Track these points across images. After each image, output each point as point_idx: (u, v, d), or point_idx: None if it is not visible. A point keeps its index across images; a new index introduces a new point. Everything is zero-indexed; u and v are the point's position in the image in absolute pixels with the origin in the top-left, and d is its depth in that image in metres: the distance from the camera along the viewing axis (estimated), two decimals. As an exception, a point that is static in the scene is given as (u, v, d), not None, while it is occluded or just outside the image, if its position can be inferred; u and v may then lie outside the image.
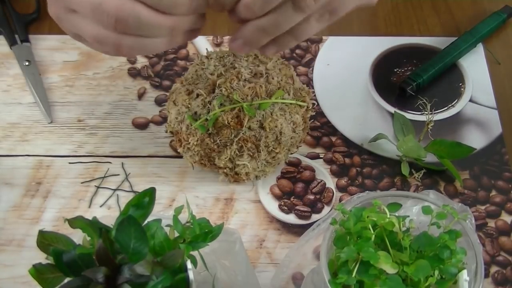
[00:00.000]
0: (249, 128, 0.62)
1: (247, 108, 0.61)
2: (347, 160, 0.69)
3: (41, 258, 0.46)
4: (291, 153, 0.68)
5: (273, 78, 0.64)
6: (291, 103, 0.63)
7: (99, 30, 0.53)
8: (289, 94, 0.64)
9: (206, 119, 0.62)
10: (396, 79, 0.76)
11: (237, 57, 0.65)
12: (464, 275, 0.48)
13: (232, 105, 0.61)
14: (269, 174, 0.67)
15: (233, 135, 0.62)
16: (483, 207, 0.66)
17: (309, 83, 0.75)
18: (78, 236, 0.47)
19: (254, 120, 0.62)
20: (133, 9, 0.51)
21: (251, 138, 0.62)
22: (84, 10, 0.52)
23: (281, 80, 0.64)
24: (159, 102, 0.74)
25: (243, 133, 0.62)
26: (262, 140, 0.62)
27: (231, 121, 0.61)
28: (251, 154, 0.63)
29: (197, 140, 0.63)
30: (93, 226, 0.46)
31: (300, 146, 0.68)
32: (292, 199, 0.66)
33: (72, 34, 0.57)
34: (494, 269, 0.62)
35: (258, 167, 0.65)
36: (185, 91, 0.64)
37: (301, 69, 0.76)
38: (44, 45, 0.78)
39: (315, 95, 0.73)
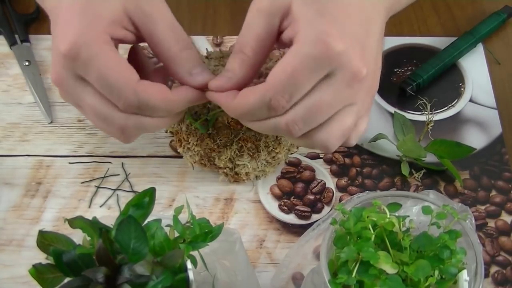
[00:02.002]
0: (249, 128, 0.62)
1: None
2: (347, 160, 0.69)
3: (41, 258, 0.46)
4: (291, 153, 0.68)
5: None
6: None
7: (106, 108, 0.53)
8: None
9: (206, 119, 0.62)
10: (396, 79, 0.76)
11: None
12: (464, 275, 0.48)
13: None
14: (269, 174, 0.67)
15: (233, 135, 0.62)
16: (483, 207, 0.66)
17: (309, 83, 0.75)
18: (78, 236, 0.47)
19: None
20: (147, 93, 0.51)
21: (251, 138, 0.62)
22: (96, 83, 0.52)
23: None
24: (159, 102, 0.74)
25: (243, 133, 0.62)
26: (262, 140, 0.62)
27: (231, 121, 0.61)
28: (251, 154, 0.63)
29: (197, 140, 0.63)
30: (93, 226, 0.46)
31: (300, 146, 0.68)
32: (292, 199, 0.66)
33: (73, 103, 0.56)
34: (494, 269, 0.62)
35: (258, 167, 0.65)
36: None
37: (301, 69, 0.76)
38: (44, 45, 0.78)
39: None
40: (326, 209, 0.66)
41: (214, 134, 0.62)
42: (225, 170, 0.65)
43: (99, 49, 0.51)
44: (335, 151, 0.69)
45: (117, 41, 0.54)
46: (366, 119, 0.55)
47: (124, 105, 0.52)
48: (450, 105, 0.74)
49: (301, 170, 0.68)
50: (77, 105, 0.56)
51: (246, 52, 0.51)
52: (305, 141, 0.53)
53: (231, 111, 0.52)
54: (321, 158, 0.69)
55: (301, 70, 0.48)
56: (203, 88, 0.54)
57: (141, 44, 0.58)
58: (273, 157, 0.65)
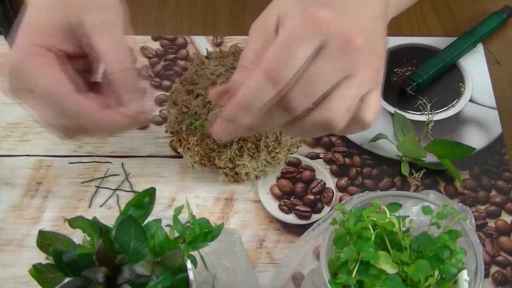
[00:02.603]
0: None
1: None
2: (347, 160, 0.69)
3: (41, 258, 0.46)
4: (291, 153, 0.68)
5: None
6: None
7: (50, 115, 0.55)
8: None
9: (206, 119, 0.62)
10: (396, 79, 0.76)
11: (237, 57, 0.65)
12: (464, 275, 0.48)
13: None
14: (269, 174, 0.67)
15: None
16: (483, 207, 0.66)
17: (309, 83, 0.75)
18: (78, 236, 0.47)
19: None
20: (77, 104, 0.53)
21: (251, 138, 0.62)
22: (38, 96, 0.54)
23: None
24: (159, 102, 0.74)
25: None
26: (262, 140, 0.62)
27: None
28: (251, 154, 0.63)
29: (197, 140, 0.63)
30: (93, 226, 0.46)
31: (300, 146, 0.68)
32: (292, 199, 0.66)
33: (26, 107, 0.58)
34: (494, 269, 0.62)
35: (258, 167, 0.65)
36: (185, 91, 0.64)
37: (301, 69, 0.76)
38: (44, 45, 0.78)
39: (315, 95, 0.73)
40: (326, 209, 0.66)
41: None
42: (225, 170, 0.65)
43: (30, 62, 0.53)
44: (335, 151, 0.69)
45: (60, 52, 0.54)
46: (376, 94, 0.53)
47: (64, 115, 0.54)
48: (450, 105, 0.74)
49: (301, 170, 0.68)
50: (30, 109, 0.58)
51: (246, 65, 0.52)
52: (310, 123, 0.51)
53: (237, 107, 0.50)
54: (321, 158, 0.69)
55: (292, 42, 0.48)
56: (135, 114, 0.55)
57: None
58: (273, 157, 0.65)
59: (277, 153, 0.64)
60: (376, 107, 0.53)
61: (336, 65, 0.49)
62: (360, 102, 0.51)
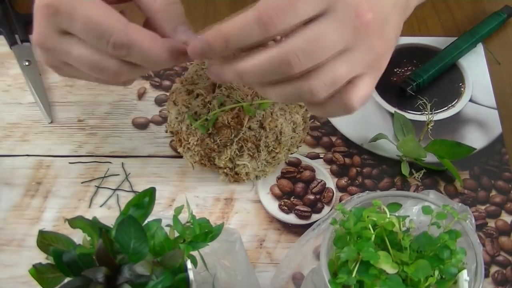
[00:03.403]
0: (249, 128, 0.62)
1: (247, 108, 0.61)
2: (347, 160, 0.69)
3: (41, 258, 0.46)
4: (291, 153, 0.68)
5: None
6: (291, 103, 0.63)
7: (96, 55, 0.52)
8: None
9: (206, 119, 0.62)
10: (396, 79, 0.76)
11: None
12: (464, 275, 0.48)
13: (232, 105, 0.61)
14: (269, 174, 0.67)
15: (233, 135, 0.62)
16: (483, 207, 0.66)
17: (309, 83, 0.75)
18: (78, 236, 0.47)
19: (254, 120, 0.62)
20: (136, 38, 0.50)
21: (251, 138, 0.62)
22: (82, 32, 0.51)
23: None
24: (159, 102, 0.74)
25: (243, 133, 0.62)
26: (262, 140, 0.62)
27: (231, 121, 0.61)
28: (251, 154, 0.63)
29: (197, 140, 0.63)
30: (93, 226, 0.46)
31: (300, 146, 0.68)
32: (292, 199, 0.66)
33: (57, 62, 0.55)
34: (494, 269, 0.62)
35: (258, 167, 0.65)
36: (185, 91, 0.64)
37: (301, 69, 0.76)
38: (44, 45, 0.78)
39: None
40: (326, 209, 0.66)
41: (214, 134, 0.62)
42: (225, 170, 0.65)
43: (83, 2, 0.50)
44: (335, 151, 0.69)
45: None
46: (369, 79, 0.51)
47: (115, 47, 0.50)
48: (450, 105, 0.74)
49: (301, 170, 0.68)
50: (63, 64, 0.55)
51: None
52: (291, 86, 0.49)
53: (220, 35, 0.48)
54: (321, 158, 0.69)
55: None
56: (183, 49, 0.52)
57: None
58: (273, 157, 0.65)
59: (277, 153, 0.64)
60: (364, 93, 0.51)
61: (342, 33, 0.47)
62: (349, 83, 0.49)
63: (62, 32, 0.52)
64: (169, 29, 0.53)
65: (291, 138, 0.64)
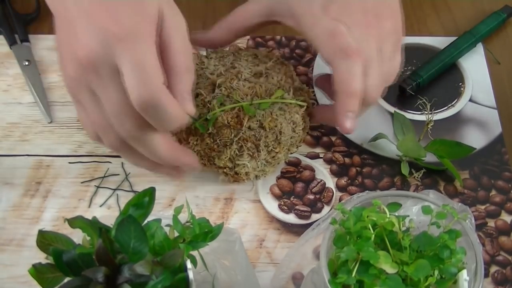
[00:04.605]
0: (249, 127, 0.62)
1: (247, 108, 0.61)
2: (347, 160, 0.69)
3: (41, 258, 0.46)
4: (291, 153, 0.68)
5: (273, 78, 0.64)
6: (290, 103, 0.63)
7: (121, 107, 0.52)
8: (288, 94, 0.64)
9: (206, 119, 0.62)
10: (396, 79, 0.76)
11: (237, 57, 0.65)
12: (464, 275, 0.48)
13: (232, 104, 0.61)
14: (269, 174, 0.67)
15: (233, 135, 0.62)
16: (483, 207, 0.66)
17: (309, 83, 0.75)
18: (78, 236, 0.47)
19: (254, 119, 0.62)
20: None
21: (251, 137, 0.62)
22: (129, 68, 0.50)
23: (281, 79, 0.64)
24: (159, 102, 0.74)
25: (243, 133, 0.62)
26: (262, 139, 0.62)
27: (231, 120, 0.61)
28: (251, 154, 0.63)
29: (197, 139, 0.63)
30: (93, 226, 0.46)
31: (300, 146, 0.68)
32: (292, 199, 0.66)
33: (82, 92, 0.54)
34: (494, 268, 0.62)
35: (258, 167, 0.65)
36: None
37: (301, 68, 0.76)
38: (44, 45, 0.78)
39: (314, 95, 0.73)
40: (326, 208, 0.66)
41: (214, 134, 0.62)
42: (225, 170, 0.65)
43: (148, 43, 0.50)
44: (335, 151, 0.69)
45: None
46: (376, 69, 0.58)
47: (140, 101, 0.50)
48: (450, 105, 0.74)
49: (301, 170, 0.68)
50: (91, 99, 0.54)
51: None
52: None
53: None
54: (321, 158, 0.69)
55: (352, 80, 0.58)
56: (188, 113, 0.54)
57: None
58: (273, 156, 0.65)
59: (277, 152, 0.64)
60: (372, 84, 0.59)
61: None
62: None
63: (91, 91, 0.53)
64: (178, 95, 0.53)
65: (290, 138, 0.64)
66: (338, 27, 0.57)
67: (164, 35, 0.53)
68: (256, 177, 0.66)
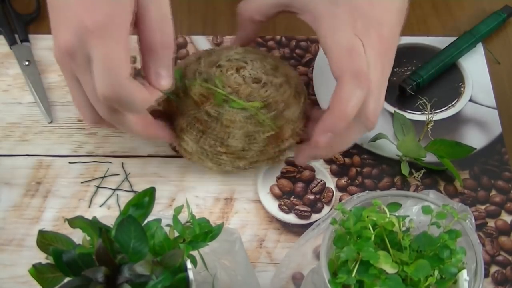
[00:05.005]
0: (207, 112, 0.62)
1: (218, 95, 0.61)
2: (347, 160, 0.69)
3: (41, 258, 0.46)
4: (240, 167, 0.65)
5: (266, 91, 0.63)
6: (260, 121, 0.62)
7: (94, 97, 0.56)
8: (266, 113, 0.62)
9: (185, 85, 0.63)
10: (396, 79, 0.76)
11: (258, 59, 0.65)
12: (464, 275, 0.48)
13: (209, 85, 0.62)
14: (213, 171, 0.66)
15: (190, 108, 0.62)
16: (483, 207, 0.66)
17: (309, 83, 0.75)
18: (78, 236, 0.47)
19: (216, 108, 0.62)
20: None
21: (202, 122, 0.62)
22: (98, 62, 0.52)
23: (275, 96, 0.63)
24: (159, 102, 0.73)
25: (198, 112, 0.62)
26: (210, 129, 0.62)
27: (197, 96, 0.61)
28: (196, 135, 0.63)
29: (166, 100, 0.64)
30: (93, 226, 0.46)
31: (253, 167, 0.66)
32: (292, 199, 0.66)
33: (69, 75, 0.58)
34: (494, 269, 0.62)
35: (201, 154, 0.64)
36: (196, 59, 0.66)
37: (301, 69, 0.76)
38: (44, 45, 0.78)
39: (315, 95, 0.73)
40: (326, 209, 0.66)
41: (180, 98, 0.63)
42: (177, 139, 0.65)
43: (118, 35, 0.52)
44: (335, 151, 0.70)
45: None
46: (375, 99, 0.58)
47: (108, 91, 0.53)
48: (450, 105, 0.74)
49: (301, 170, 0.68)
50: (74, 79, 0.57)
51: None
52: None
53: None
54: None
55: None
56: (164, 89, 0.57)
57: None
58: (216, 154, 0.64)
59: (221, 152, 0.63)
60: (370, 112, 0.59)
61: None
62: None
63: (86, 54, 0.54)
64: (152, 73, 0.56)
65: (242, 149, 0.63)
66: (358, 46, 0.57)
67: (141, 8, 0.54)
68: (200, 161, 0.65)
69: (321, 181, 0.67)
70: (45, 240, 0.45)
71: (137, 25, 0.54)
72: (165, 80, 0.56)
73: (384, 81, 0.60)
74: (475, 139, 0.71)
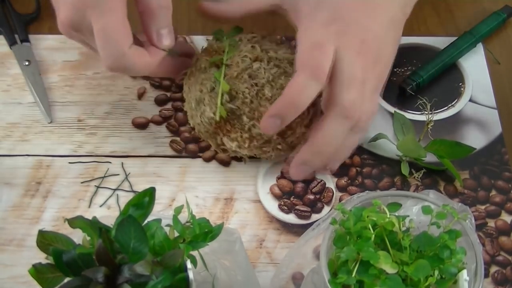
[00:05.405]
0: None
1: (224, 84, 0.62)
2: (347, 160, 0.69)
3: (41, 258, 0.46)
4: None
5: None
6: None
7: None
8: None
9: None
10: (396, 79, 0.76)
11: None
12: (464, 275, 0.48)
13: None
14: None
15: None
16: (483, 207, 0.66)
17: (309, 83, 0.75)
18: (78, 236, 0.47)
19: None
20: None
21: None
22: (98, 33, 0.56)
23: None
24: (159, 102, 0.74)
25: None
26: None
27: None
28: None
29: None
30: (93, 226, 0.46)
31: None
32: (292, 199, 0.66)
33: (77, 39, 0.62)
34: (494, 269, 0.62)
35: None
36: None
37: (301, 69, 0.76)
38: (44, 45, 0.78)
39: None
40: (326, 209, 0.66)
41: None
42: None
43: (116, 6, 0.56)
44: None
45: None
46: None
47: (112, 62, 0.58)
48: (450, 105, 0.74)
49: (301, 170, 0.68)
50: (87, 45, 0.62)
51: None
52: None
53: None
54: (321, 158, 0.69)
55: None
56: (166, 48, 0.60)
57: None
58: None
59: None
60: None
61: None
62: None
63: (87, 23, 0.57)
64: (153, 32, 0.59)
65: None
66: (325, 44, 0.57)
67: None
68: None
69: (321, 181, 0.67)
70: (45, 240, 0.45)
71: None
72: (167, 40, 0.59)
73: (372, 79, 0.59)
74: (475, 139, 0.71)
